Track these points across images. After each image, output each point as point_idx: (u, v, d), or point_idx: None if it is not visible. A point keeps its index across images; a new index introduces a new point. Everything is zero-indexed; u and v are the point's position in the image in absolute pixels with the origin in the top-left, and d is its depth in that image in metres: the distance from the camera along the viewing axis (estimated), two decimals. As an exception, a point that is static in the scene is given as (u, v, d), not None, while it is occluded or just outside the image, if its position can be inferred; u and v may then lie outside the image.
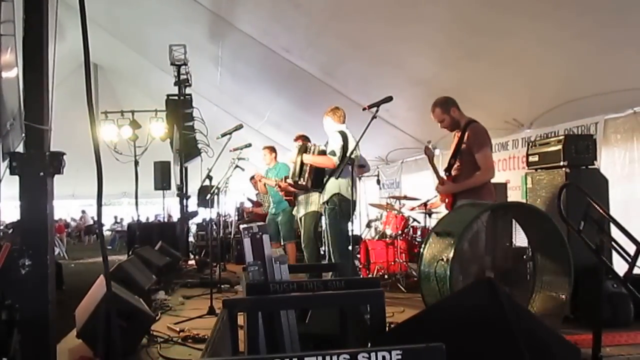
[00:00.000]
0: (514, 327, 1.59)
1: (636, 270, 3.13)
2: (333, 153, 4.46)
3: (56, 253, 12.83)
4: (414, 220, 6.41)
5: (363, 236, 7.49)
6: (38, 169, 1.76)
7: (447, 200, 3.82)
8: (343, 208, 4.38)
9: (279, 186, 5.76)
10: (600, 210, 2.71)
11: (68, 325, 3.40)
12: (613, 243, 2.67)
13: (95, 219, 19.65)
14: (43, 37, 1.78)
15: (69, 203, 18.55)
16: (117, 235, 18.09)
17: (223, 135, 4.54)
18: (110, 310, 1.98)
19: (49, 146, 1.81)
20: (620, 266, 2.63)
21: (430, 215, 6.13)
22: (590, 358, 2.57)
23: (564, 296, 3.34)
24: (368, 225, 7.58)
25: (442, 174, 3.85)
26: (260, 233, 2.17)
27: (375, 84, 6.38)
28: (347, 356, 1.21)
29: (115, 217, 20.81)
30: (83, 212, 19.76)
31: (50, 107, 1.84)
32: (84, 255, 13.34)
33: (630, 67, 4.12)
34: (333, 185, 4.43)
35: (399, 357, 1.21)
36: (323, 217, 4.75)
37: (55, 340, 2.12)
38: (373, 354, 1.21)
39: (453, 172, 3.79)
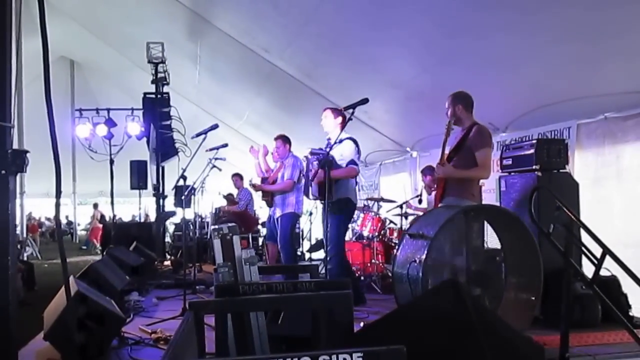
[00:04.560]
0: (478, 327, 1.61)
1: (605, 273, 3.24)
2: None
3: (29, 253, 12.54)
4: (391, 222, 6.45)
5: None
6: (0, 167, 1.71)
7: (435, 194, 3.88)
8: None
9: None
10: (570, 214, 2.75)
11: (38, 326, 3.32)
12: (581, 246, 2.73)
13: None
14: (5, 32, 1.73)
15: (43, 202, 18.10)
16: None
17: (198, 135, 4.48)
18: (72, 315, 1.92)
19: (12, 143, 1.76)
20: (589, 268, 2.68)
21: (406, 217, 6.17)
22: (558, 358, 2.62)
23: (534, 297, 3.40)
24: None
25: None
26: (231, 234, 2.15)
27: (353, 85, 6.40)
28: (308, 358, 1.20)
29: (91, 217, 20.42)
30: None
31: (14, 103, 1.79)
32: (58, 255, 13.03)
33: (603, 74, 4.23)
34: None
35: (360, 359, 1.21)
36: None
37: (18, 345, 2.06)
38: (334, 357, 1.21)
39: None
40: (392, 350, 1.22)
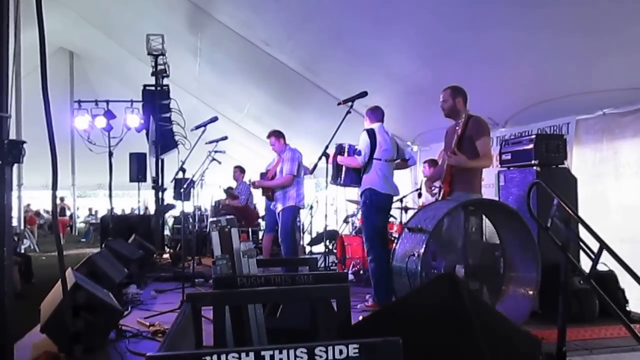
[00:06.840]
0: (474, 319, 1.62)
1: (603, 268, 3.24)
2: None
3: (27, 245, 12.54)
4: (391, 215, 6.44)
5: (340, 231, 7.51)
6: (-5, 157, 1.70)
7: (442, 191, 3.85)
8: None
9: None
10: (567, 209, 2.75)
11: (36, 319, 3.32)
12: (579, 241, 2.73)
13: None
14: (2, 22, 1.71)
15: (42, 194, 18.10)
16: (91, 227, 17.76)
17: (197, 127, 4.47)
18: (68, 307, 1.92)
19: (8, 134, 1.75)
20: (588, 263, 2.68)
21: (406, 211, 6.16)
22: (556, 352, 2.63)
23: (532, 292, 3.40)
24: (345, 221, 7.60)
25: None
26: (229, 226, 2.15)
27: (353, 79, 6.38)
28: (305, 350, 1.20)
29: (90, 209, 20.44)
30: None
31: (11, 93, 1.78)
32: (56, 247, 13.04)
33: (602, 70, 4.21)
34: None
35: (356, 350, 1.22)
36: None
37: (15, 338, 2.05)
38: (330, 348, 1.21)
39: None
40: (388, 341, 1.22)
